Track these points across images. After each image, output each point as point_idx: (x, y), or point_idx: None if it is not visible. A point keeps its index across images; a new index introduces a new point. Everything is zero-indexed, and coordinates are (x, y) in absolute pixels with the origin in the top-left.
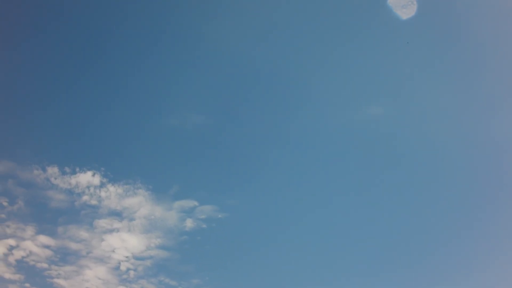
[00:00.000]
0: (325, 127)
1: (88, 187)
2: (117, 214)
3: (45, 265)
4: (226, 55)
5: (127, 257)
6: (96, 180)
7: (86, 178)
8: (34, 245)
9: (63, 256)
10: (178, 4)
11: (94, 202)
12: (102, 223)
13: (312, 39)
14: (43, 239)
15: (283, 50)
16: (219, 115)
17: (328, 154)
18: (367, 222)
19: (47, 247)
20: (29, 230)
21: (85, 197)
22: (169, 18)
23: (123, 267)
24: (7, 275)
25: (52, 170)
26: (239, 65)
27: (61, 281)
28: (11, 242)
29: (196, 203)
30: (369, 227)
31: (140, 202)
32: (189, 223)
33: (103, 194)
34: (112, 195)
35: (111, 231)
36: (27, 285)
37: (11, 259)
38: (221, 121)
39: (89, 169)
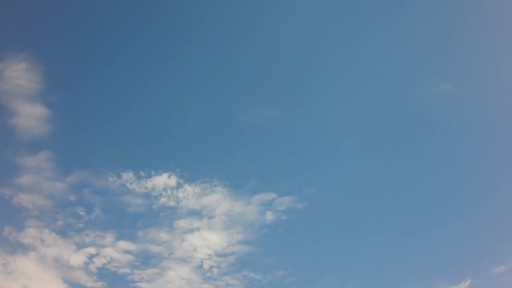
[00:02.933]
0: (397, 109)
1: (165, 189)
2: (196, 213)
3: (127, 270)
4: (289, 47)
5: (209, 255)
6: (173, 181)
7: (162, 180)
8: (115, 251)
9: (145, 260)
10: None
11: (172, 203)
12: (182, 223)
13: (372, 25)
14: (123, 244)
15: (346, 38)
16: (290, 106)
17: (404, 138)
18: (456, 207)
19: (128, 252)
20: (109, 237)
21: (162, 199)
22: (237, 18)
23: (206, 265)
24: (89, 284)
25: (127, 176)
26: (303, 55)
27: (144, 285)
28: (91, 250)
29: (274, 195)
30: (459, 214)
31: (218, 199)
32: (269, 216)
33: (180, 194)
34: (190, 194)
35: (191, 230)
36: None
37: (92, 267)
38: (292, 113)
39: (164, 171)
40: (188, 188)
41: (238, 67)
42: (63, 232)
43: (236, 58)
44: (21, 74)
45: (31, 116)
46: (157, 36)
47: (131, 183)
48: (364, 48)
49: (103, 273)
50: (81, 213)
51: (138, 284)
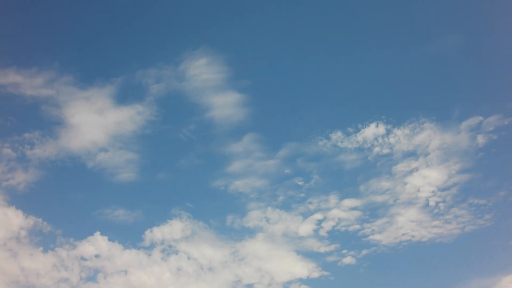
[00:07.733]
0: None
1: (375, 138)
2: (411, 154)
3: (357, 227)
4: None
5: (433, 191)
6: (381, 129)
7: (371, 131)
8: (341, 211)
9: (372, 212)
10: None
11: (386, 150)
12: (400, 167)
13: None
14: (348, 202)
15: None
16: (474, 31)
17: None
18: None
19: (354, 209)
20: (332, 199)
21: (376, 149)
22: None
23: (432, 203)
24: (323, 249)
25: (336, 135)
26: None
27: (376, 236)
28: (318, 216)
29: (481, 117)
30: None
31: (429, 136)
32: (480, 139)
33: (392, 140)
34: (401, 138)
35: (410, 172)
36: (344, 251)
37: (322, 232)
38: (478, 36)
39: (371, 122)
40: (398, 132)
41: None
42: (286, 206)
43: None
44: (204, 69)
45: (225, 105)
46: None
47: (341, 142)
48: None
49: (334, 235)
50: (300, 183)
51: (370, 237)
